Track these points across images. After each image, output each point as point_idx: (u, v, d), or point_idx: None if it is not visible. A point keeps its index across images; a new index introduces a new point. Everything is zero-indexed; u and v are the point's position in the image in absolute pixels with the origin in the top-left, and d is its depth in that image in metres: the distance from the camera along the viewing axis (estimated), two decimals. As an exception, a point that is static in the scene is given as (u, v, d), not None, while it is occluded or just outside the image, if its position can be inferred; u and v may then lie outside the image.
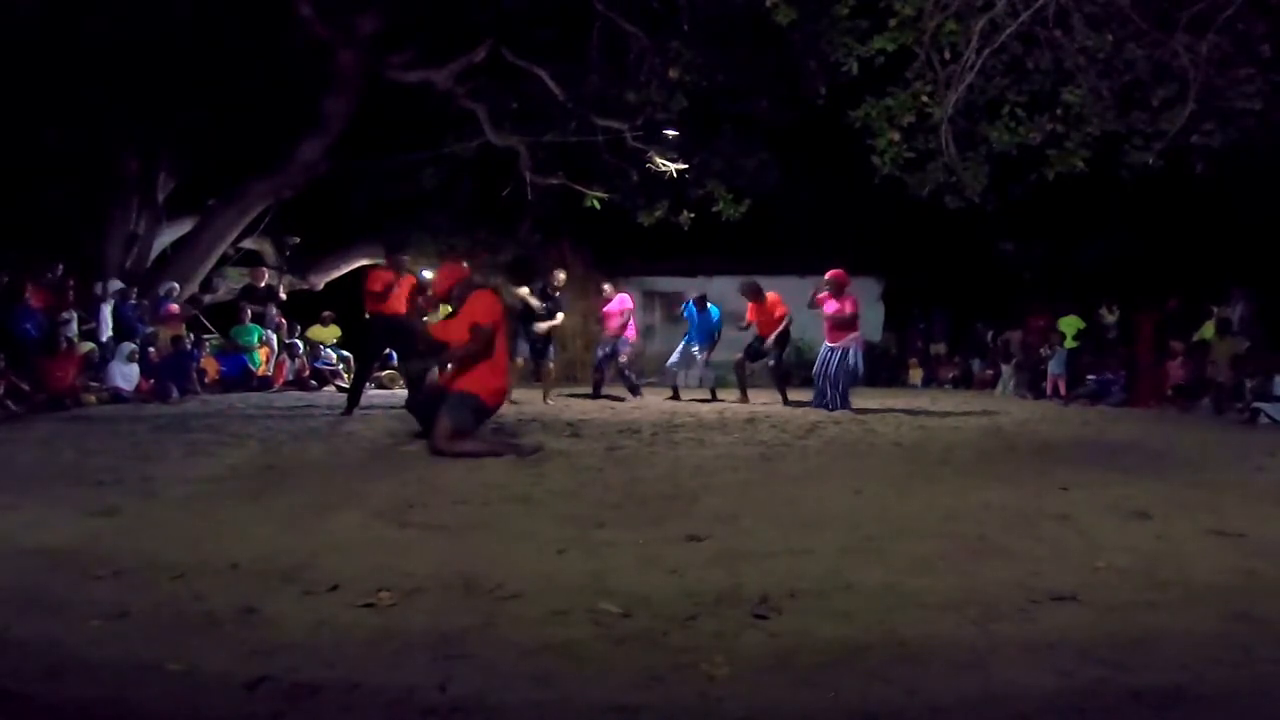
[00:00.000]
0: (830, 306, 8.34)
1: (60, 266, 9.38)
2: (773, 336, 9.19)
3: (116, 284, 9.95)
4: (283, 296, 12.27)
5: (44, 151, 10.72)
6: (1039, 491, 3.61)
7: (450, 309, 5.02)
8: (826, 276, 8.38)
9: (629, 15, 10.18)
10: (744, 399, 9.37)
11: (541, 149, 11.78)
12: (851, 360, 8.28)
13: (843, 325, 8.30)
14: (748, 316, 9.36)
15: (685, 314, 10.20)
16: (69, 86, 10.10)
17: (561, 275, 9.23)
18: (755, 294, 9.20)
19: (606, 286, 10.14)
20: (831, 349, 8.35)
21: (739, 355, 9.70)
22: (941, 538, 2.74)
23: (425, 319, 8.43)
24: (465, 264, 5.13)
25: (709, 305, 10.10)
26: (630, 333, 10.09)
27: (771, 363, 9.44)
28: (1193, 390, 9.45)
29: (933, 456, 4.90)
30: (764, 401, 9.11)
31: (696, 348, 9.97)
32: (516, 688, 1.57)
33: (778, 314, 9.14)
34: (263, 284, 12.21)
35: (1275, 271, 10.71)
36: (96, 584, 2.17)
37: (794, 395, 9.26)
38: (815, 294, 8.49)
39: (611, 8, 10.10)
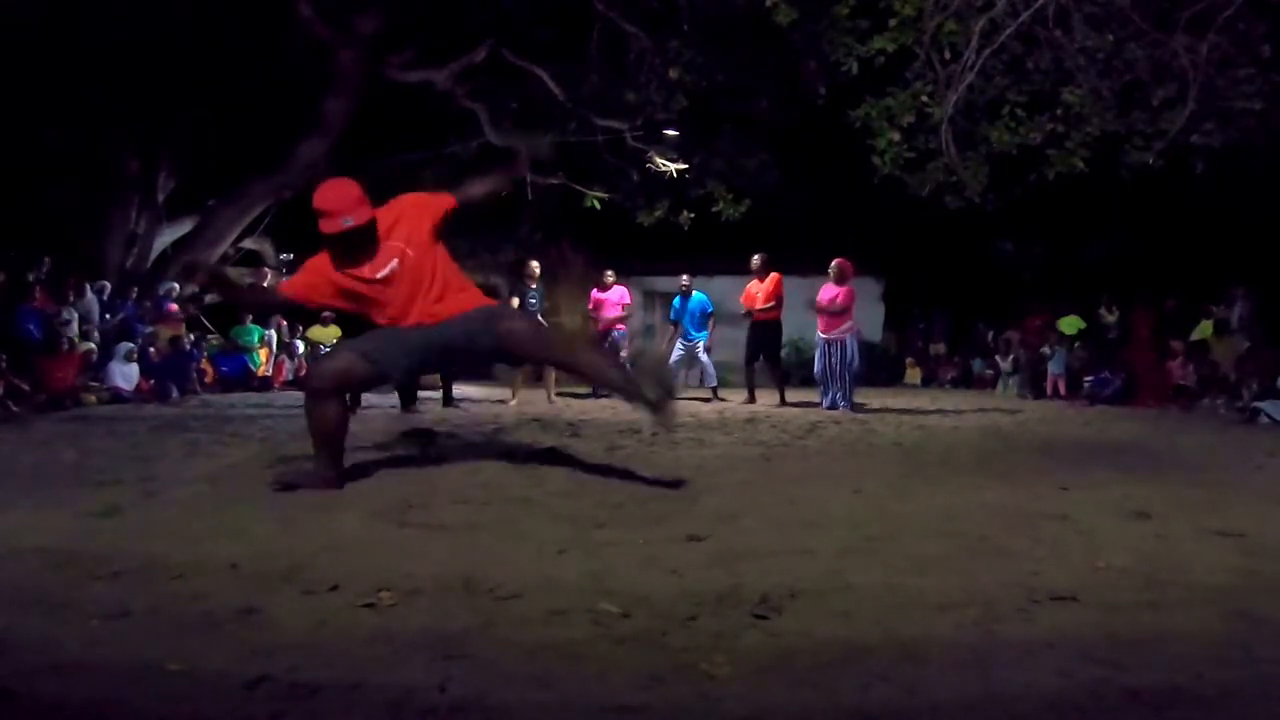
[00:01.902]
0: (826, 293, 8.31)
1: (47, 261, 9.35)
2: (767, 322, 9.14)
3: (104, 284, 9.96)
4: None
5: (44, 151, 10.73)
6: (1039, 491, 3.61)
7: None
8: (833, 263, 8.35)
9: (629, 15, 10.19)
10: (751, 399, 9.32)
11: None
12: (849, 351, 8.23)
13: (836, 313, 8.25)
14: (744, 298, 9.28)
15: (674, 315, 10.13)
16: (69, 86, 10.11)
17: (534, 264, 9.19)
18: (763, 269, 9.14)
19: (609, 274, 10.06)
20: (828, 343, 8.30)
21: (745, 358, 9.63)
22: (941, 538, 2.74)
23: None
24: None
25: (694, 291, 9.96)
26: (624, 325, 10.04)
27: (770, 360, 9.39)
28: (1196, 390, 9.45)
29: (933, 456, 4.90)
30: (767, 402, 9.10)
31: (698, 344, 9.90)
32: (516, 688, 1.57)
33: (779, 293, 9.09)
34: (266, 284, 12.23)
35: (1275, 271, 10.72)
36: (96, 584, 2.17)
37: (794, 396, 9.26)
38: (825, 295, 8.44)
39: (611, 8, 10.11)
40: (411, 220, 3.49)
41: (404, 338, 3.49)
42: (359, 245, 3.36)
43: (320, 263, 3.45)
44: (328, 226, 3.28)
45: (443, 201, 3.58)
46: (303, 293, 3.50)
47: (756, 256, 9.15)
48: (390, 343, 3.50)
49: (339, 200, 3.29)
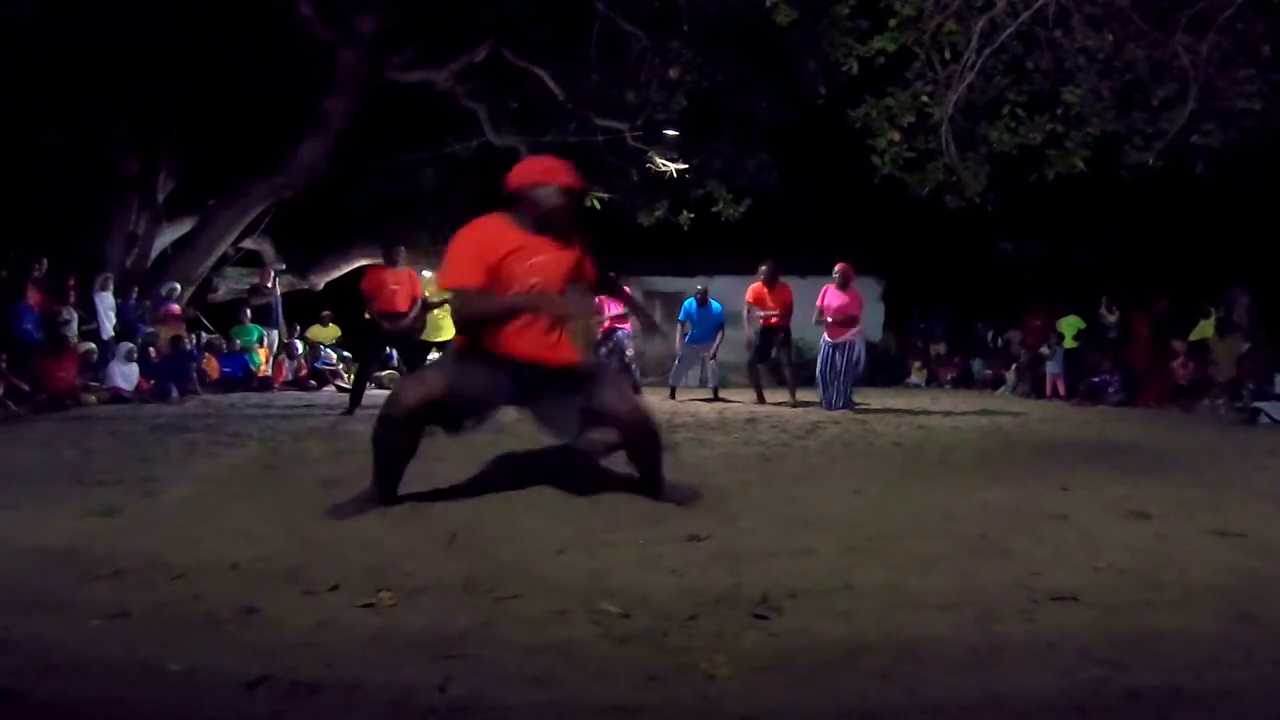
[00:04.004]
0: (836, 300, 8.31)
1: (45, 262, 9.34)
2: (779, 326, 9.17)
3: (109, 280, 9.97)
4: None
5: (44, 151, 10.73)
6: (1039, 491, 3.61)
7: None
8: (836, 268, 8.35)
9: (629, 15, 10.18)
10: (760, 400, 9.30)
11: (541, 149, 11.78)
12: (856, 354, 8.26)
13: (846, 321, 8.28)
14: (751, 297, 9.31)
15: (683, 315, 10.14)
16: (69, 87, 10.11)
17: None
18: (773, 278, 9.18)
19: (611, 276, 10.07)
20: (834, 345, 8.31)
21: (748, 360, 9.63)
22: (941, 538, 2.74)
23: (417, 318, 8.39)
24: None
25: (710, 301, 10.04)
26: (628, 325, 10.04)
27: (783, 361, 9.43)
28: (1196, 390, 9.45)
29: (933, 456, 4.90)
30: (773, 402, 9.09)
31: (702, 347, 9.91)
32: (516, 688, 1.57)
33: (789, 302, 9.16)
34: (270, 284, 12.26)
35: (1275, 271, 10.72)
36: (96, 584, 2.17)
37: (798, 396, 9.25)
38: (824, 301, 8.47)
39: (611, 8, 10.10)
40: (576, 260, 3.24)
41: (499, 375, 3.09)
42: (563, 220, 3.13)
43: (483, 240, 3.07)
44: (573, 179, 3.11)
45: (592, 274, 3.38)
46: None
47: (765, 265, 9.18)
48: (482, 379, 3.08)
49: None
